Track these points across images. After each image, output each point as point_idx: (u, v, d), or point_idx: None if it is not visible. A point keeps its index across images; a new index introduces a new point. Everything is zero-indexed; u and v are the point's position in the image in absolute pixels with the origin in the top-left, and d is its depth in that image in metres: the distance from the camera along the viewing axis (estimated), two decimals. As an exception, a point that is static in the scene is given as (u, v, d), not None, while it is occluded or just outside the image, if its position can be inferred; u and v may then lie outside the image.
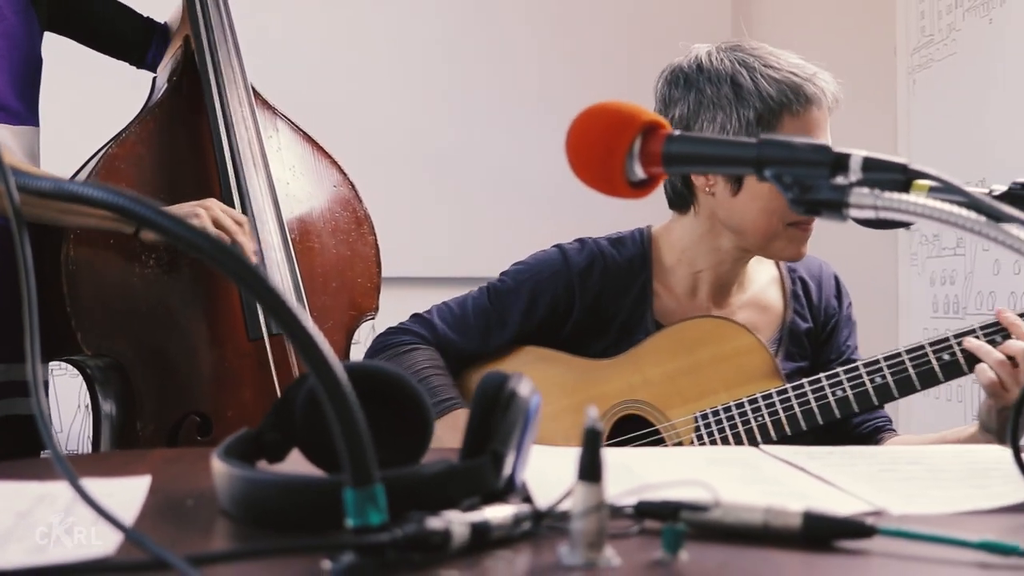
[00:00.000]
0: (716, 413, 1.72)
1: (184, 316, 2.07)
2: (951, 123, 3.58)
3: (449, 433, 1.70)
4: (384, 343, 1.88)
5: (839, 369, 1.69)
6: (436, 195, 3.62)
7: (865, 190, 0.93)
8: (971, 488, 1.06)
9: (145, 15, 2.29)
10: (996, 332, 1.63)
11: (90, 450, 2.20)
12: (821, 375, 1.70)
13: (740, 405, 1.71)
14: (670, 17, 3.73)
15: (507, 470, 0.88)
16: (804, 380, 1.70)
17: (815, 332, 1.92)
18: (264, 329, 2.04)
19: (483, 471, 0.87)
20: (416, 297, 3.59)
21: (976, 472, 1.15)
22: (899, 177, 0.95)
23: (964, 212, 0.88)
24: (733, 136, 1.77)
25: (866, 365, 1.68)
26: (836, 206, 0.94)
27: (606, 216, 3.58)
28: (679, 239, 1.89)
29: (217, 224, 1.97)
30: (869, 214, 0.93)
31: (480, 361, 1.86)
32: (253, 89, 2.15)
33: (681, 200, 1.87)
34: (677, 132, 1.04)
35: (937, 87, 3.68)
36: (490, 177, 3.65)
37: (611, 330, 1.84)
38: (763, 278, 1.95)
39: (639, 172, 1.04)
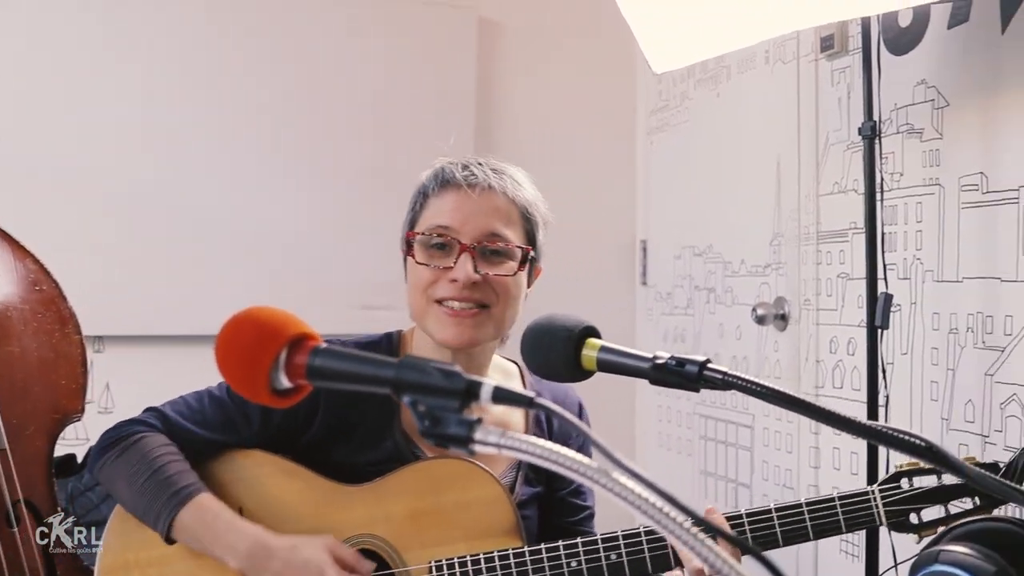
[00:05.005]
0: (451, 565, 1.68)
1: None
2: (683, 186, 3.72)
3: (199, 525, 1.66)
4: (113, 436, 1.78)
5: (578, 540, 1.67)
6: (163, 251, 3.50)
7: (492, 429, 0.94)
8: None
9: None
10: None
11: None
12: (560, 543, 1.68)
13: (476, 560, 1.68)
14: (417, 79, 3.71)
15: None
16: (543, 546, 1.68)
17: None
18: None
19: None
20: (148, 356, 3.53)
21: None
22: (525, 407, 0.97)
23: (580, 458, 0.90)
24: (403, 225, 1.85)
25: (604, 540, 1.67)
26: (463, 442, 0.94)
27: (353, 273, 3.57)
28: (416, 340, 1.87)
29: None
30: (492, 451, 0.94)
31: (220, 465, 1.78)
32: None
33: None
34: (323, 344, 1.03)
35: (672, 150, 3.81)
36: (217, 232, 3.56)
37: (355, 437, 1.79)
38: None
39: (284, 382, 1.04)
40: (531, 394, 0.97)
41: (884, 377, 2.42)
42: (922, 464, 1.68)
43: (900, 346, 2.59)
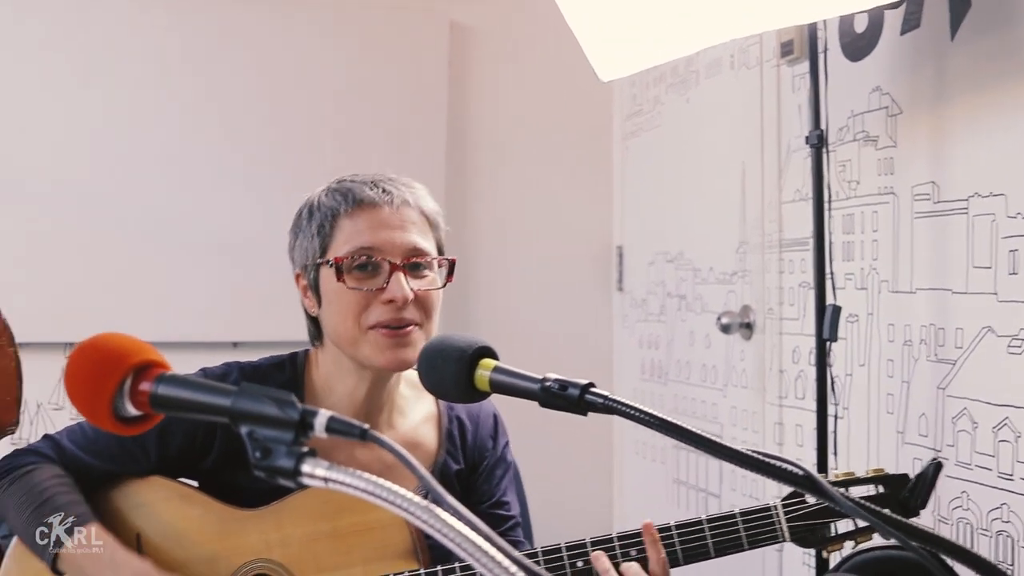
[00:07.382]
0: None
1: None
2: (656, 192, 3.69)
3: (85, 556, 1.62)
4: (5, 466, 1.76)
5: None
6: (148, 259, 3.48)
7: (321, 462, 0.91)
8: None
9: None
10: (633, 545, 1.61)
11: None
12: (456, 565, 1.63)
13: None
14: (388, 85, 3.68)
15: None
16: (439, 568, 1.64)
17: (465, 473, 1.89)
18: None
19: None
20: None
21: None
22: (357, 438, 0.94)
23: (404, 493, 0.87)
24: (306, 250, 1.79)
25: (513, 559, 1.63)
26: (291, 474, 0.92)
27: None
28: (322, 363, 1.84)
29: None
30: (319, 484, 0.91)
31: (116, 492, 1.75)
32: None
33: (314, 324, 1.84)
34: (169, 372, 1.01)
35: (645, 155, 3.77)
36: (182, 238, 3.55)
37: None
38: (419, 415, 1.90)
39: (131, 410, 1.02)
40: (364, 426, 0.94)
41: (833, 390, 2.38)
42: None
43: (858, 358, 2.55)
